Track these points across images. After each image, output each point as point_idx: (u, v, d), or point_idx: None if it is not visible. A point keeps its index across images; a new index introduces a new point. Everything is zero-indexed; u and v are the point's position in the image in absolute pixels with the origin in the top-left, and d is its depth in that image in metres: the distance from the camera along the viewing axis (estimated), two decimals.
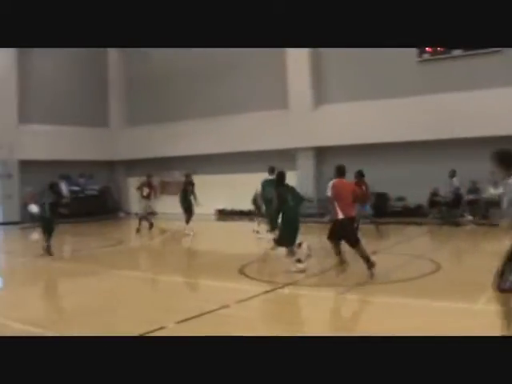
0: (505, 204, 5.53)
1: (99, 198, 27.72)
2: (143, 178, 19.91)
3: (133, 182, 28.00)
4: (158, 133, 27.36)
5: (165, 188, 27.18)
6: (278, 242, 11.54)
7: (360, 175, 15.90)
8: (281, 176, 11.49)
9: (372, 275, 9.90)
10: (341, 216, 10.04)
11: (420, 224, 19.61)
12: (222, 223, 24.92)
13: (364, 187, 15.75)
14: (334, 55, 22.21)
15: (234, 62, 24.58)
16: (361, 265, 10.04)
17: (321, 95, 23.46)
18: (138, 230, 19.06)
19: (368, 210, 16.62)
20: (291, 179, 22.39)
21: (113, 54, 29.45)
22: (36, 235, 17.06)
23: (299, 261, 10.92)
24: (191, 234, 18.24)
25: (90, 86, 28.32)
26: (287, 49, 22.33)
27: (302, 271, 10.74)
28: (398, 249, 14.38)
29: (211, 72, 25.81)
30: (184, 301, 9.46)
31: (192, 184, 18.49)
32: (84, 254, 15.97)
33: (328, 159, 22.68)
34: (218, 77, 24.94)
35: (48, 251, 14.26)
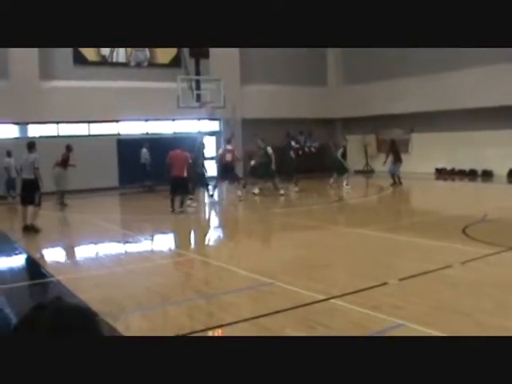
0: None
1: (317, 155, 28.30)
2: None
3: (351, 140, 28.34)
4: (376, 91, 27.07)
5: (381, 146, 27.01)
6: None
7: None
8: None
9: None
10: (173, 175, 15.08)
11: None
12: (441, 182, 24.15)
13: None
14: None
15: None
16: None
17: None
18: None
19: (393, 168, 20.93)
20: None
21: None
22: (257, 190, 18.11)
23: None
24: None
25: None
26: None
27: None
28: None
29: None
30: (405, 258, 9.40)
31: None
32: (302, 209, 16.56)
33: None
34: None
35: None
